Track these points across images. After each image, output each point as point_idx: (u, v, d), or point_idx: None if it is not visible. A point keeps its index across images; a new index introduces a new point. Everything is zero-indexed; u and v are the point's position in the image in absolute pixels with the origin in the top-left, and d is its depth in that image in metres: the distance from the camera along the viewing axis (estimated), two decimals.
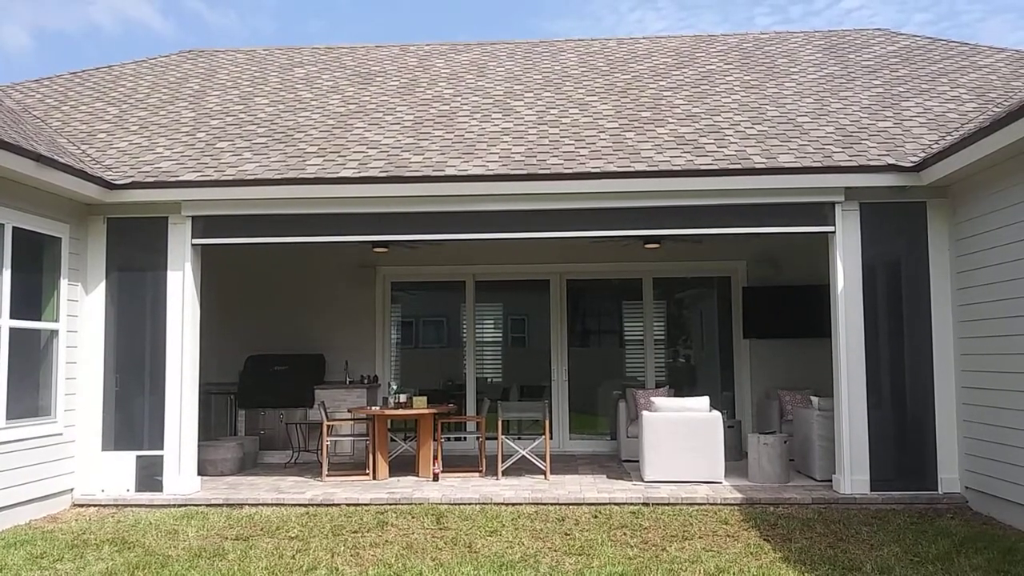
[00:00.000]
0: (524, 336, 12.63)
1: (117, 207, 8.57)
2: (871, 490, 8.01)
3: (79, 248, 8.51)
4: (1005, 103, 8.96)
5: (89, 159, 9.02)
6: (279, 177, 8.44)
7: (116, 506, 8.21)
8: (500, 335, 12.42)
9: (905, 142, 8.55)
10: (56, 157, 7.80)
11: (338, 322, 11.90)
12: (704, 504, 7.87)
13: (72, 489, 8.34)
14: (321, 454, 9.66)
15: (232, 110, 10.66)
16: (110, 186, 8.34)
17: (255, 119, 10.28)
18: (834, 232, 8.28)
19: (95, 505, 8.26)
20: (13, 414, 7.49)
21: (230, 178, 8.46)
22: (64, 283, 8.25)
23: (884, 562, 5.87)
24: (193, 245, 8.62)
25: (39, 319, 7.97)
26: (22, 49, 51.09)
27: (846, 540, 6.54)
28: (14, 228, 7.53)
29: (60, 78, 12.20)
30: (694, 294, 12.32)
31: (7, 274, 7.45)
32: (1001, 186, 7.18)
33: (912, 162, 8.04)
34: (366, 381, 11.31)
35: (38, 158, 7.36)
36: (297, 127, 9.92)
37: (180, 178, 8.51)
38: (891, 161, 8.12)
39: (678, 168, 8.24)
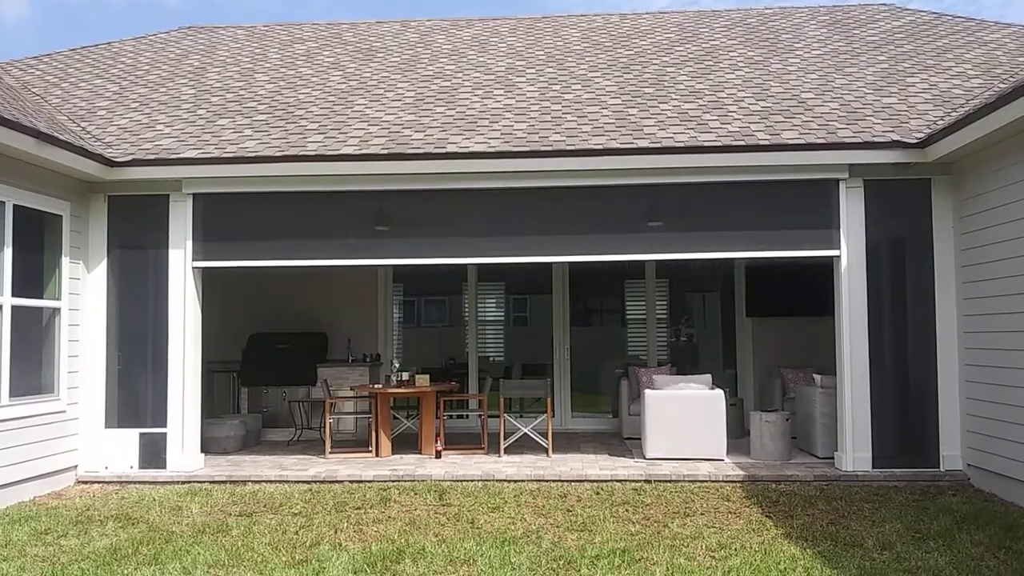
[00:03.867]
0: (526, 315, 12.62)
1: (118, 184, 8.55)
2: (873, 467, 8.03)
3: (80, 226, 8.49)
4: (1011, 79, 8.88)
5: (89, 136, 8.97)
6: (280, 154, 8.40)
7: (120, 483, 8.25)
8: (502, 314, 12.41)
9: (910, 118, 8.48)
10: (56, 134, 7.76)
11: (341, 300, 11.90)
12: (706, 481, 7.89)
13: (76, 466, 8.38)
14: (324, 432, 9.70)
15: (232, 87, 10.59)
16: (110, 163, 8.31)
17: (255, 96, 10.21)
18: (839, 256, 8.23)
19: (99, 482, 8.30)
20: (16, 392, 7.51)
21: (231, 155, 8.43)
22: (66, 261, 8.24)
23: (885, 538, 5.89)
24: (194, 268, 8.63)
25: (41, 297, 7.97)
26: (21, 19, 50.67)
27: (848, 517, 6.55)
28: (15, 206, 7.51)
29: (60, 55, 12.13)
30: (696, 272, 12.28)
31: (8, 252, 7.43)
32: (1007, 162, 7.13)
33: (917, 138, 7.98)
34: (369, 359, 11.31)
35: (38, 135, 7.33)
36: (298, 104, 9.86)
37: (181, 155, 8.47)
38: (896, 137, 8.06)
39: (681, 145, 8.19)
